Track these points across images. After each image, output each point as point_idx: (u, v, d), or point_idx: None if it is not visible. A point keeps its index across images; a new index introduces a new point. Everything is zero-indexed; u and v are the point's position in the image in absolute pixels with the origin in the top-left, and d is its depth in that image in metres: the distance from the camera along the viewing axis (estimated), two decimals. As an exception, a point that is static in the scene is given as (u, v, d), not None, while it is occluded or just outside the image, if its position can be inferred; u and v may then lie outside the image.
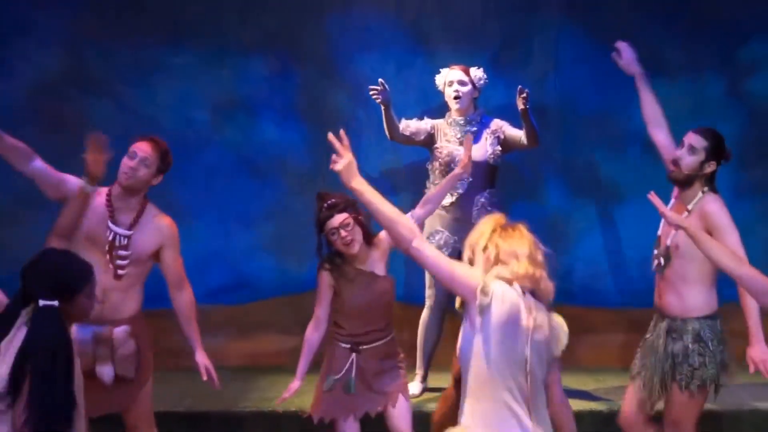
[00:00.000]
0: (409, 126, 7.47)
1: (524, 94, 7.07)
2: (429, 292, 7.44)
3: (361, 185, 4.68)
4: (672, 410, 5.98)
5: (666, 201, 6.11)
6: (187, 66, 8.46)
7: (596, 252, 8.39)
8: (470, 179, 7.19)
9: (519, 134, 7.36)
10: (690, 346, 5.88)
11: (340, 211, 5.90)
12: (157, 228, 6.18)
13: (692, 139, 6.00)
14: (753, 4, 8.40)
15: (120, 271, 6.03)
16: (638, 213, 8.21)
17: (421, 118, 7.55)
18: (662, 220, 6.08)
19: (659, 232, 6.13)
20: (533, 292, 4.49)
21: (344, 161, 4.74)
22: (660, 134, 6.32)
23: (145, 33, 8.41)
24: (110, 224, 6.05)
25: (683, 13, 8.44)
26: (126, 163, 6.06)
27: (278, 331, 8.51)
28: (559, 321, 4.56)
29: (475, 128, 7.31)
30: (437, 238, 7.20)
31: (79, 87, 8.42)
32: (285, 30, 8.45)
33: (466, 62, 7.64)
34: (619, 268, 8.12)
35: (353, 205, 5.90)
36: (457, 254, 7.06)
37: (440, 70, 7.47)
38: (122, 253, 6.04)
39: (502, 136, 7.39)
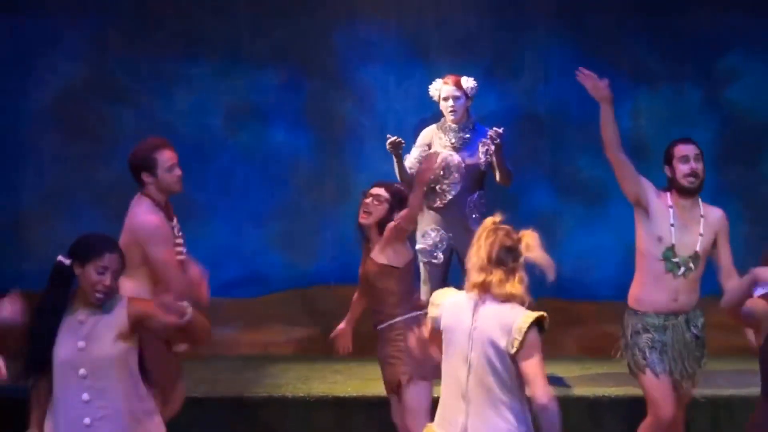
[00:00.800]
0: (413, 167, 7.37)
1: (497, 140, 7.02)
2: (424, 288, 7.41)
3: None
4: (691, 391, 6.05)
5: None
6: (203, 76, 8.46)
7: (582, 249, 8.37)
8: (462, 183, 7.18)
9: (503, 164, 7.25)
10: (702, 331, 5.97)
11: (382, 187, 5.88)
12: None
13: (690, 149, 5.98)
14: (728, 20, 8.39)
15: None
16: (621, 213, 8.19)
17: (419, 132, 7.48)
18: (672, 230, 6.03)
19: (673, 241, 6.07)
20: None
21: None
22: (622, 154, 6.22)
23: (164, 46, 8.42)
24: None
25: (664, 28, 8.43)
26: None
27: (287, 323, 8.51)
28: (513, 320, 4.44)
29: (468, 135, 7.24)
30: (433, 236, 7.09)
31: (103, 95, 8.42)
32: (294, 43, 8.45)
33: (460, 74, 7.64)
34: (604, 263, 8.12)
35: (400, 196, 5.87)
36: (450, 251, 7.09)
37: (435, 80, 7.43)
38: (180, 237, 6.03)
39: (491, 153, 7.31)
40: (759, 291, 4.80)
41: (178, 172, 5.96)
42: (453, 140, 7.24)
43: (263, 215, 8.51)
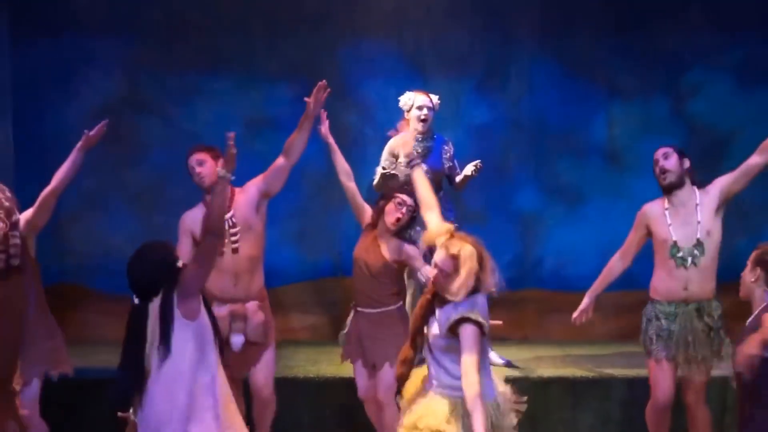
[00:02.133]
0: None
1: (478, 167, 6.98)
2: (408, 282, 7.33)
3: None
4: (702, 378, 5.97)
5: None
6: (224, 90, 8.45)
7: (563, 245, 8.34)
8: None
9: (462, 172, 7.15)
10: (718, 322, 5.91)
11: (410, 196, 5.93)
12: (245, 195, 6.28)
13: (659, 151, 5.98)
14: (692, 40, 8.38)
15: (236, 245, 6.07)
16: (598, 212, 8.23)
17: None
18: (670, 227, 6.00)
19: (674, 238, 5.99)
20: None
21: None
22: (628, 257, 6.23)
23: (189, 63, 8.41)
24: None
25: (636, 46, 8.41)
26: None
27: (300, 311, 8.53)
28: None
29: (430, 144, 7.18)
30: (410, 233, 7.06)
31: (134, 108, 8.42)
32: (305, 61, 8.41)
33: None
34: (582, 257, 8.06)
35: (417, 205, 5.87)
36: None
37: (406, 92, 7.33)
38: (233, 230, 6.07)
39: (451, 160, 7.26)
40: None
41: (197, 170, 6.04)
42: (419, 149, 7.14)
43: (278, 215, 8.44)
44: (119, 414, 4.52)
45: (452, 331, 4.51)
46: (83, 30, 8.31)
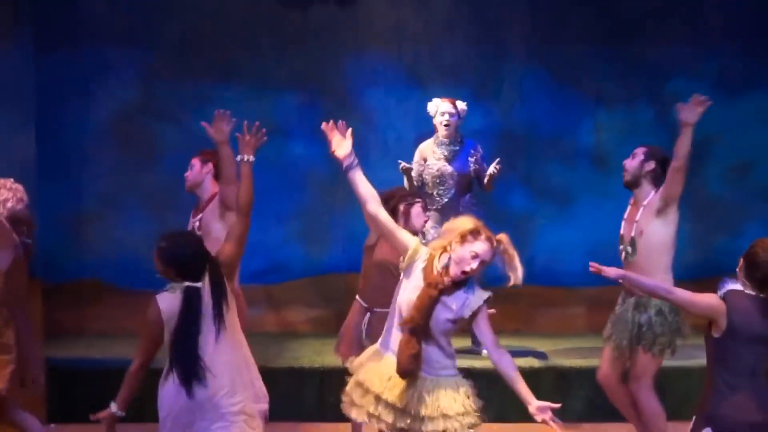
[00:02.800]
0: (416, 181, 7.32)
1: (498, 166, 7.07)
2: None
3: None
4: (636, 367, 5.90)
5: (619, 201, 6.09)
6: (234, 98, 8.43)
7: (553, 243, 8.35)
8: (454, 188, 7.16)
9: (486, 172, 7.21)
10: (653, 318, 5.81)
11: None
12: (213, 203, 6.17)
13: (635, 150, 5.98)
14: (673, 52, 8.38)
15: None
16: (585, 212, 8.23)
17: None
18: (623, 223, 5.99)
19: (622, 231, 5.99)
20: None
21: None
22: None
23: (202, 72, 8.42)
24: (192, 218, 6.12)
25: (621, 57, 8.42)
26: None
27: (304, 305, 8.53)
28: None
29: (457, 148, 7.26)
30: (432, 233, 6.93)
31: (150, 114, 8.43)
32: (311, 71, 8.42)
33: (450, 96, 7.62)
34: (571, 255, 8.07)
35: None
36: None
37: (432, 99, 7.40)
38: (198, 233, 5.97)
39: (478, 163, 7.29)
40: (724, 288, 4.52)
41: (185, 174, 6.08)
42: (445, 153, 7.25)
43: (285, 215, 8.52)
44: (94, 416, 4.45)
45: (475, 313, 4.45)
46: (102, 41, 8.30)
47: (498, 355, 4.51)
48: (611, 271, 4.55)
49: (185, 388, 4.36)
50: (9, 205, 5.50)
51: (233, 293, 4.71)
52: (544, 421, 4.49)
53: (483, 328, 4.49)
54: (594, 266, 4.51)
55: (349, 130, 4.84)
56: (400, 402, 4.41)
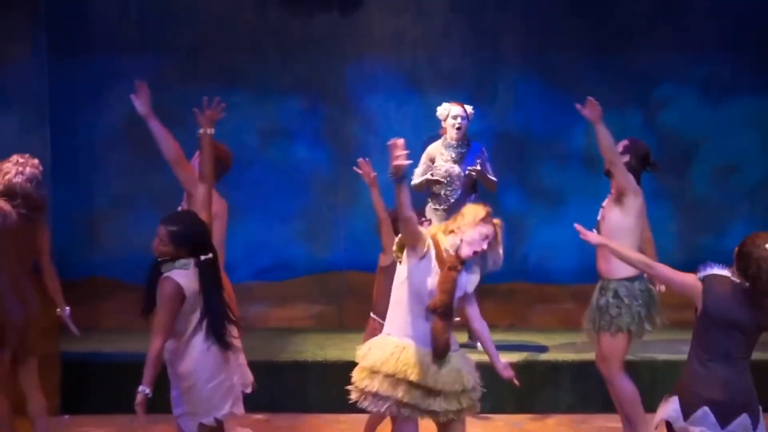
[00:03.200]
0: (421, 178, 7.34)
1: (473, 174, 7.09)
2: None
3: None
4: (600, 349, 5.91)
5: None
6: (241, 103, 8.44)
7: (545, 242, 8.36)
8: (461, 188, 7.15)
9: (488, 175, 7.23)
10: (610, 300, 5.82)
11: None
12: None
13: (620, 142, 6.05)
14: (661, 59, 8.37)
15: None
16: (577, 212, 8.13)
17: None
18: (600, 210, 6.03)
19: (598, 218, 6.04)
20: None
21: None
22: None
23: (210, 78, 8.39)
24: None
25: (611, 64, 8.42)
26: None
27: (307, 302, 8.54)
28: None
29: (464, 150, 7.25)
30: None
31: (160, 118, 8.26)
32: (314, 77, 8.44)
33: (447, 101, 7.61)
34: (563, 253, 8.10)
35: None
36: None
37: (443, 103, 7.33)
38: None
39: (482, 166, 7.30)
40: (705, 271, 4.51)
41: None
42: (453, 155, 7.24)
43: (289, 215, 8.53)
44: (137, 405, 4.49)
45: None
46: (114, 49, 8.32)
47: (480, 324, 4.81)
48: (592, 237, 4.69)
49: (226, 349, 4.52)
50: (7, 176, 5.54)
51: None
52: (509, 378, 4.76)
53: (474, 301, 4.78)
54: (578, 228, 4.62)
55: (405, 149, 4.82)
56: (435, 384, 4.52)
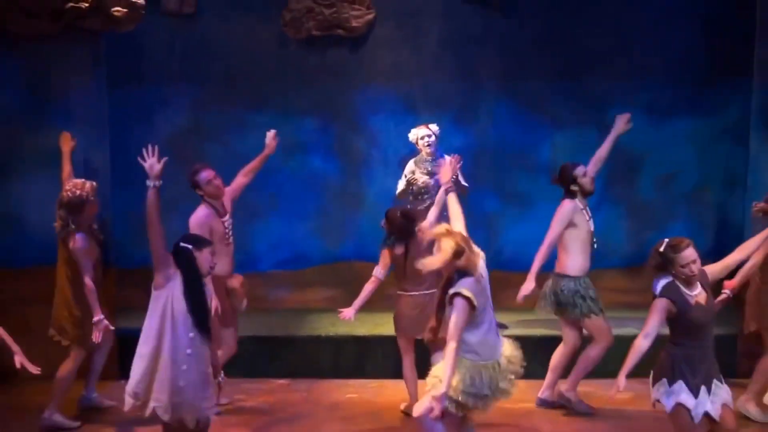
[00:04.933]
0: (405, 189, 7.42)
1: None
2: None
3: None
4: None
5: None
6: (265, 123, 8.34)
7: (517, 237, 8.33)
8: (434, 196, 7.18)
9: (461, 183, 7.28)
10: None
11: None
12: (226, 200, 6.31)
13: (583, 168, 6.29)
14: (615, 85, 8.35)
15: (230, 239, 6.20)
16: (543, 213, 8.16)
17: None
18: (588, 221, 6.21)
19: (591, 228, 6.20)
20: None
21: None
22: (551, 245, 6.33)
23: (240, 102, 8.44)
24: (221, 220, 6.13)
25: (574, 90, 8.40)
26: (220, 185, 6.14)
27: (321, 287, 8.54)
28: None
29: (436, 163, 7.31)
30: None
31: (198, 136, 8.44)
32: (327, 101, 8.44)
33: (437, 120, 7.67)
34: (532, 247, 7.95)
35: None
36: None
37: (411, 129, 7.46)
38: (230, 229, 6.19)
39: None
40: (659, 285, 4.64)
41: (216, 183, 6.07)
42: (428, 168, 7.30)
43: (305, 215, 8.54)
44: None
45: (450, 302, 4.54)
46: (160, 79, 8.34)
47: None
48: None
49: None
50: (64, 193, 5.94)
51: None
52: None
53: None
54: None
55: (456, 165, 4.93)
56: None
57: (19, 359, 5.06)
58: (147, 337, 4.52)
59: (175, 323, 4.46)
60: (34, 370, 5.00)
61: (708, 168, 8.46)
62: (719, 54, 8.23)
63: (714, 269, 4.67)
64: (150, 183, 4.72)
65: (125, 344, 6.76)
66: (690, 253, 4.45)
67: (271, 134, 6.48)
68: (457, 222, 4.76)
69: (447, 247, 4.53)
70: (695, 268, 4.46)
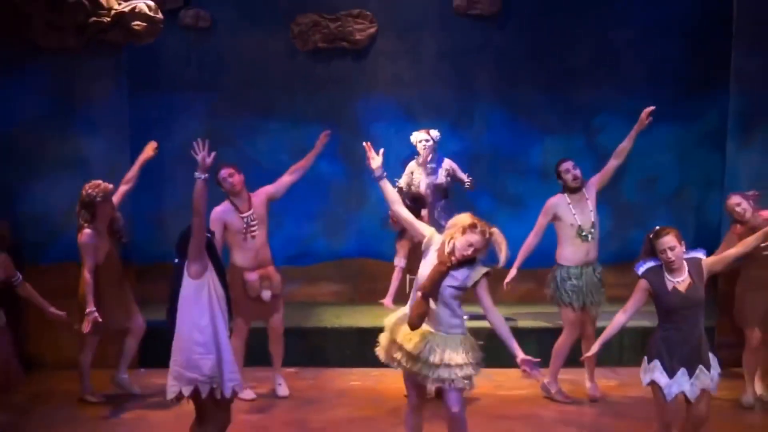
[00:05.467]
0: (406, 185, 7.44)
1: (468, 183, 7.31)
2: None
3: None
4: (598, 313, 6.28)
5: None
6: (276, 129, 8.51)
7: (510, 236, 7.83)
8: (431, 196, 7.22)
9: (462, 178, 7.38)
10: (600, 277, 6.16)
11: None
12: (259, 198, 6.27)
13: (568, 163, 6.29)
14: (600, 94, 8.38)
15: (254, 233, 6.16)
16: (534, 213, 8.18)
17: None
18: (576, 217, 6.15)
19: (579, 223, 6.15)
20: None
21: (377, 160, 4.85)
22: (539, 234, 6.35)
23: (251, 109, 8.45)
24: (240, 215, 6.15)
25: (561, 99, 8.42)
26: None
27: (327, 281, 8.57)
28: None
29: (434, 164, 7.36)
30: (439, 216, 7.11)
31: (215, 141, 8.16)
32: (332, 109, 8.44)
33: (436, 127, 7.68)
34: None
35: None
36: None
37: (413, 132, 7.49)
38: (252, 224, 6.13)
39: (452, 173, 7.40)
40: (642, 267, 4.70)
41: (231, 180, 6.08)
42: (427, 169, 7.34)
43: (313, 215, 8.56)
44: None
45: (476, 283, 4.45)
46: (178, 87, 8.36)
47: (493, 316, 4.52)
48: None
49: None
50: (82, 191, 6.05)
51: None
52: (525, 371, 4.49)
53: (481, 295, 4.50)
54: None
55: (381, 150, 4.85)
56: (415, 350, 4.48)
57: (50, 311, 5.49)
58: (198, 325, 4.39)
59: (221, 309, 4.47)
60: (61, 315, 5.49)
61: (687, 171, 8.50)
62: (698, 65, 8.28)
63: (711, 261, 4.73)
64: (199, 175, 4.64)
65: (148, 335, 6.84)
66: (666, 240, 4.53)
67: (323, 135, 6.45)
68: (397, 205, 4.71)
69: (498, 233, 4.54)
70: (671, 255, 4.53)
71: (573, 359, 6.38)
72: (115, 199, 6.32)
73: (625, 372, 6.69)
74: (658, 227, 4.67)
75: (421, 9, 8.40)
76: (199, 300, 4.40)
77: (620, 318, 4.63)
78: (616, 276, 7.92)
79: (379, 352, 4.68)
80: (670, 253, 4.54)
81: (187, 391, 4.37)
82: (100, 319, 5.90)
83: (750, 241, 4.79)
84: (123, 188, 6.46)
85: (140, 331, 6.34)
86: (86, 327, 5.87)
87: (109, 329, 6.17)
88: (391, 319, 4.69)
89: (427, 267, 4.52)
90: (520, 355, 4.45)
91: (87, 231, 6.05)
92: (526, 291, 8.00)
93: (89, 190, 6.08)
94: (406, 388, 4.74)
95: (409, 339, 4.51)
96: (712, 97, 8.13)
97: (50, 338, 6.83)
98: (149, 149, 6.58)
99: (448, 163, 7.46)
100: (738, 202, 6.08)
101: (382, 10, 8.38)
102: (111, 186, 6.21)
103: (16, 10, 6.81)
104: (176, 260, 4.45)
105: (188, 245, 4.44)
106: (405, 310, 4.66)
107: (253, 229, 6.18)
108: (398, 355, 4.56)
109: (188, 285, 4.41)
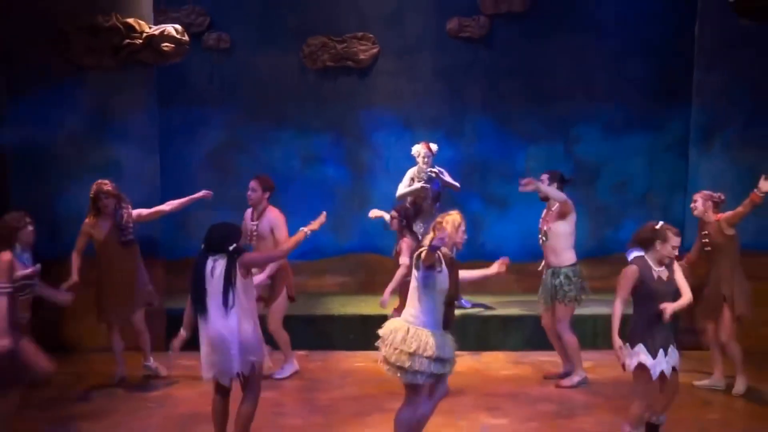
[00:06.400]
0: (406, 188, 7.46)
1: (434, 174, 7.25)
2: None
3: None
4: (557, 314, 6.06)
5: (541, 207, 6.22)
6: (287, 137, 8.49)
7: (497, 234, 8.39)
8: (429, 199, 7.26)
9: (450, 182, 7.38)
10: (563, 281, 5.97)
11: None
12: (267, 220, 6.19)
13: (541, 176, 6.16)
14: (577, 107, 8.36)
15: (253, 241, 6.15)
16: (519, 214, 8.25)
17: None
18: (540, 219, 6.12)
19: (540, 226, 6.14)
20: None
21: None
22: None
23: (266, 120, 8.43)
24: (250, 222, 6.17)
25: (543, 111, 8.39)
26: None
27: (334, 274, 8.54)
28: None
29: (429, 172, 7.38)
30: (417, 225, 7.05)
31: (233, 149, 8.45)
32: (338, 120, 8.43)
33: (431, 137, 7.70)
34: (510, 241, 8.10)
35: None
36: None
37: (416, 143, 7.49)
38: (254, 235, 6.13)
39: (442, 178, 7.42)
40: (632, 254, 4.64)
41: (248, 193, 6.09)
42: (424, 177, 7.35)
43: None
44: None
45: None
46: (201, 101, 8.35)
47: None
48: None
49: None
50: (102, 189, 6.07)
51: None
52: (503, 265, 4.69)
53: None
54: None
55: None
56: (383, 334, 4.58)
57: (60, 298, 5.20)
58: (251, 310, 4.61)
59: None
60: (67, 298, 5.18)
61: (655, 176, 8.49)
62: (664, 81, 8.28)
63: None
64: (306, 231, 5.12)
65: (173, 322, 6.84)
66: (678, 240, 4.56)
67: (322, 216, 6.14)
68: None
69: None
70: (675, 251, 4.56)
71: (544, 342, 6.41)
72: (147, 212, 6.31)
73: (598, 355, 6.70)
74: (667, 224, 4.64)
75: (418, 32, 8.40)
76: (253, 292, 4.71)
77: (619, 306, 4.56)
78: (591, 270, 7.95)
79: (404, 374, 4.52)
80: (675, 250, 4.58)
81: (247, 370, 4.62)
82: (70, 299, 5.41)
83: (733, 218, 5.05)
84: (161, 209, 6.40)
85: (140, 325, 6.31)
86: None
87: (112, 316, 6.22)
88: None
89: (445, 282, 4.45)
90: (492, 268, 4.60)
91: (87, 220, 6.18)
92: (509, 282, 8.03)
93: (94, 188, 6.15)
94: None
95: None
96: (677, 109, 8.13)
97: (87, 325, 6.84)
98: (203, 194, 6.48)
99: (438, 169, 7.46)
100: (694, 200, 6.08)
101: (383, 33, 8.40)
102: (111, 186, 6.19)
103: (60, 34, 6.94)
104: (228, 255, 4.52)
105: (236, 245, 4.65)
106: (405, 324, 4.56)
107: (255, 236, 6.22)
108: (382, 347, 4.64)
109: (240, 282, 4.59)
